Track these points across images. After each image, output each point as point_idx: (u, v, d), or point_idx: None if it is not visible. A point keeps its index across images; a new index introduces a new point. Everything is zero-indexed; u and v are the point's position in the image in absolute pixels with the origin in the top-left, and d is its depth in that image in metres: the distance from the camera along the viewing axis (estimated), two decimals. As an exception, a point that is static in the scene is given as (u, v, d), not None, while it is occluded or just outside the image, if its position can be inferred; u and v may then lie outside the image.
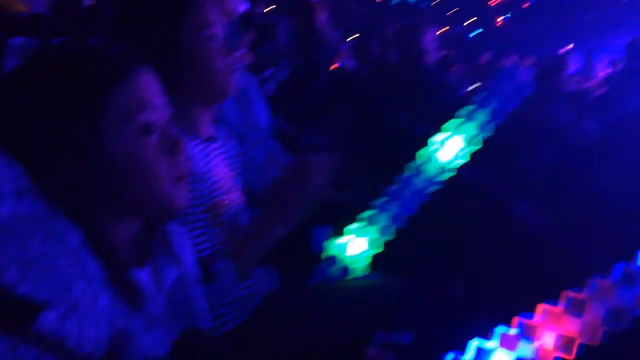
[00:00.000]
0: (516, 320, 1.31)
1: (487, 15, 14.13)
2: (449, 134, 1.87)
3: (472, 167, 1.91)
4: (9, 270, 0.68)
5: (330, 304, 1.64)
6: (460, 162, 1.87)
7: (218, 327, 1.48)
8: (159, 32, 1.48)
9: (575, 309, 1.27)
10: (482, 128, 1.86)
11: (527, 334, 1.29)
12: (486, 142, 1.89)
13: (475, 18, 14.09)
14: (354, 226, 1.84)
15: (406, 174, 1.87)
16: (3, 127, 0.95)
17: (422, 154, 1.87)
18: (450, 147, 1.86)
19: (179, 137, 1.03)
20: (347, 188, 2.27)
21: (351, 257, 1.82)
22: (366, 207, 1.87)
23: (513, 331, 1.30)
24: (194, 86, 1.54)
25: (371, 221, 1.83)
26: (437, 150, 1.86)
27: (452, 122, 1.88)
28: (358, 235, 1.83)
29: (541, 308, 1.30)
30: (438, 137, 1.87)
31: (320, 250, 1.80)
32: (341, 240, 1.83)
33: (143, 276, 1.03)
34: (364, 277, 1.81)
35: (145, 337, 0.98)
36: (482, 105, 1.89)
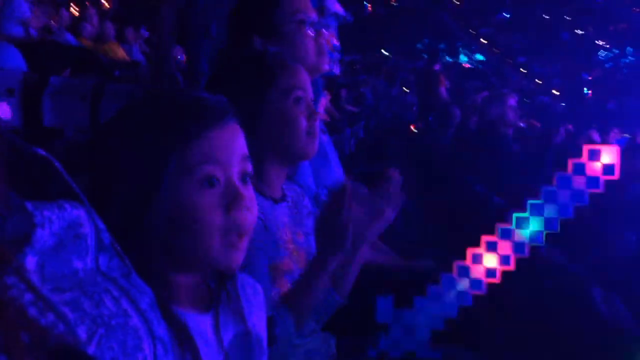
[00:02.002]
0: None
1: (575, 87, 13.90)
2: (525, 212, 1.80)
3: (548, 249, 1.84)
4: (80, 327, 0.69)
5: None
6: (536, 244, 1.79)
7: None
8: (247, 92, 1.51)
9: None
10: (561, 210, 1.79)
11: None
12: (565, 224, 1.81)
13: (560, 90, 13.90)
14: (418, 299, 1.79)
15: (478, 249, 1.81)
16: (96, 171, 0.99)
17: (497, 230, 1.81)
18: (524, 228, 1.79)
19: (242, 194, 1.00)
20: (414, 256, 2.21)
21: (412, 330, 1.76)
22: (433, 279, 1.81)
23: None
24: (274, 145, 1.55)
25: (435, 296, 1.77)
26: (511, 228, 1.80)
27: (530, 201, 1.81)
28: (420, 309, 1.77)
29: None
30: (514, 215, 1.81)
31: (383, 320, 1.76)
32: (405, 311, 1.78)
33: (202, 322, 1.02)
34: (426, 353, 1.75)
35: None
36: (563, 185, 1.83)
